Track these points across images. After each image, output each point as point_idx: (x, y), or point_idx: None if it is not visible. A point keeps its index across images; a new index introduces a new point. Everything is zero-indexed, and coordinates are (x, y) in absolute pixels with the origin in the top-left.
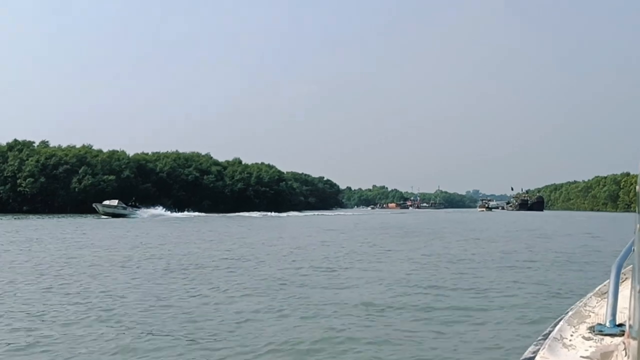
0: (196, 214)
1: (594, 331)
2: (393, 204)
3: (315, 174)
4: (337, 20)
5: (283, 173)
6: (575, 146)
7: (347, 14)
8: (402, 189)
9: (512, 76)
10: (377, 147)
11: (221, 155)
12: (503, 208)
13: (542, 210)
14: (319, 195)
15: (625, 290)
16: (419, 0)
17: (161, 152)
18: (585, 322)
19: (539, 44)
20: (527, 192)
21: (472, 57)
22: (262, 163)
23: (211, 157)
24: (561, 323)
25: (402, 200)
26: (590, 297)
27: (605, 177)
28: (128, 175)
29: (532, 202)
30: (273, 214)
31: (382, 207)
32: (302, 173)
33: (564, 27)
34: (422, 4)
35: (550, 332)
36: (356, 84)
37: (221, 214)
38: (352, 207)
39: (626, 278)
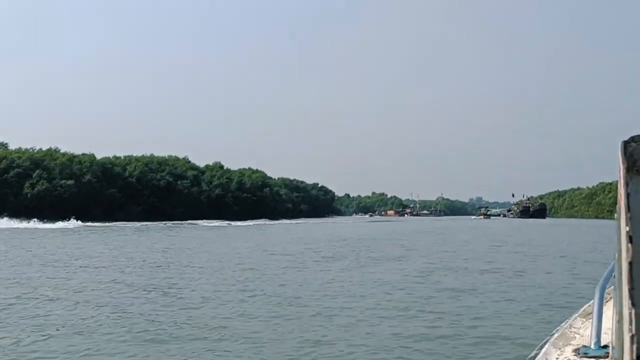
0: (78, 223)
1: (579, 353)
2: (392, 212)
3: (314, 180)
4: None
5: (272, 179)
6: (579, 152)
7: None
8: (403, 196)
9: (516, 81)
10: (377, 154)
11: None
12: (504, 215)
13: (544, 217)
14: (311, 202)
15: (609, 311)
16: None
17: (134, 155)
18: (570, 344)
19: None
20: (529, 198)
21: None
22: (249, 168)
23: (189, 161)
24: (547, 345)
25: (402, 207)
26: (576, 319)
27: (611, 184)
28: (90, 180)
29: (534, 209)
30: (239, 223)
31: (381, 215)
32: (294, 179)
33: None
34: None
35: (536, 354)
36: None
37: (177, 223)
38: (350, 215)
39: (610, 298)
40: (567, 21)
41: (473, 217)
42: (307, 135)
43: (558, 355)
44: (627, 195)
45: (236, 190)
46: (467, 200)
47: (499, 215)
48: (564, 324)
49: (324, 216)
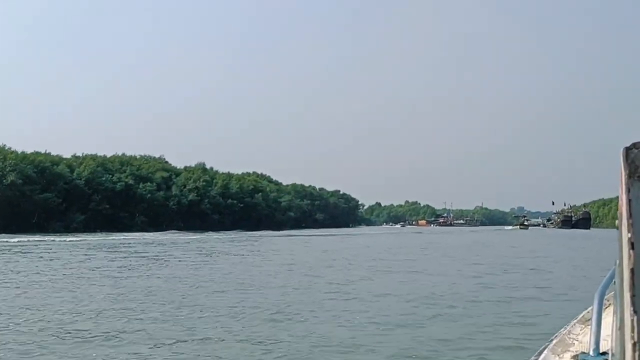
0: None
1: None
2: (423, 221)
3: (342, 188)
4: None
5: (275, 184)
6: None
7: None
8: (438, 206)
9: (559, 81)
10: (412, 161)
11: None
12: (544, 225)
13: (588, 228)
14: (329, 211)
15: (608, 317)
16: None
17: (88, 153)
18: (569, 350)
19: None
20: (571, 207)
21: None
22: (247, 173)
23: (165, 162)
24: (545, 352)
25: (435, 216)
26: (574, 325)
27: None
28: (14, 182)
29: (578, 219)
30: (215, 235)
31: (411, 224)
32: (309, 186)
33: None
34: None
35: None
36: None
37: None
38: (380, 224)
39: (609, 304)
40: (607, 14)
41: (508, 227)
42: (332, 141)
43: None
44: (629, 202)
45: (217, 196)
46: (507, 210)
47: (537, 225)
48: (562, 330)
49: (347, 226)
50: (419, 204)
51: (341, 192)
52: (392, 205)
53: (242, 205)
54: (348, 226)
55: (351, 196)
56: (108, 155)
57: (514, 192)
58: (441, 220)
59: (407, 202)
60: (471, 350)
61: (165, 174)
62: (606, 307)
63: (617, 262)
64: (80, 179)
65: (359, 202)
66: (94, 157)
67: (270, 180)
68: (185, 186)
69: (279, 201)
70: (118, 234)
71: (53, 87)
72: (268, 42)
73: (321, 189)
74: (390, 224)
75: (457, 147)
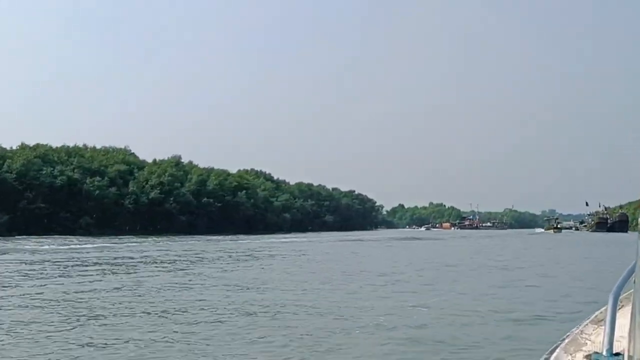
0: None
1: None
2: (447, 224)
3: (363, 190)
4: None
5: (283, 183)
6: None
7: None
8: (464, 207)
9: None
10: (435, 162)
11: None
12: (576, 229)
13: (625, 231)
14: (341, 212)
15: (621, 318)
16: None
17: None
18: (581, 349)
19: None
20: (606, 208)
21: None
22: (245, 170)
23: (129, 153)
24: (557, 350)
25: (460, 219)
26: (587, 324)
27: None
28: None
29: (614, 221)
30: (178, 239)
31: (435, 227)
32: (317, 185)
33: None
34: None
35: (546, 359)
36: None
37: None
38: (403, 227)
39: (622, 305)
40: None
41: (538, 230)
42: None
43: None
44: None
45: (187, 194)
46: (539, 213)
47: (569, 228)
48: (574, 329)
49: (364, 229)
50: (444, 205)
51: (356, 193)
52: (415, 207)
53: (220, 204)
54: (365, 229)
55: (368, 197)
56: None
57: (544, 193)
58: (467, 222)
59: (431, 203)
60: None
61: (124, 167)
62: (619, 308)
63: (637, 263)
64: (11, 172)
65: (376, 204)
66: (35, 147)
67: (269, 179)
68: (147, 182)
69: (271, 201)
70: (43, 237)
71: None
72: (292, 46)
73: (334, 189)
74: (414, 226)
75: (482, 147)
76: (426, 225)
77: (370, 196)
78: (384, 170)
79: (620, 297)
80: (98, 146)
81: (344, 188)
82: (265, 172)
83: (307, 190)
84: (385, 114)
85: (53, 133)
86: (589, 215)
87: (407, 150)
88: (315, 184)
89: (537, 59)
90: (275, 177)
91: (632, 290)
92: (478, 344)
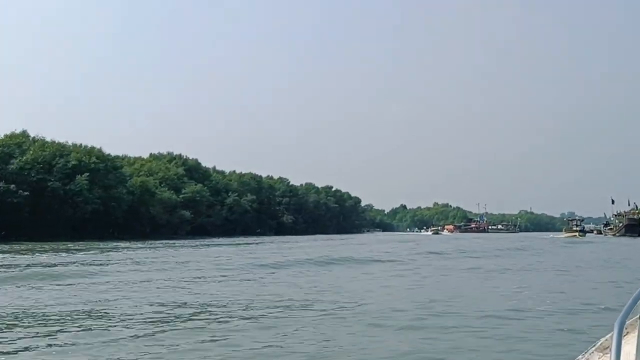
0: None
1: None
2: (450, 226)
3: (364, 190)
4: None
5: (208, 170)
6: None
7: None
8: (472, 209)
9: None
10: (444, 162)
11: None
12: (599, 232)
13: None
14: (309, 212)
15: (627, 345)
16: None
17: None
18: None
19: None
20: (637, 207)
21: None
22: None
23: (93, 148)
24: None
25: (466, 221)
26: (593, 352)
27: None
28: None
29: None
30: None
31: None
32: (267, 176)
33: None
34: None
35: None
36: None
37: None
38: (403, 230)
39: (627, 332)
40: None
41: (561, 234)
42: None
43: None
44: None
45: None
46: (557, 215)
47: (591, 232)
48: (580, 356)
49: (342, 232)
50: (450, 206)
51: (334, 189)
52: (418, 207)
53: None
54: (345, 232)
55: (350, 194)
56: None
57: (562, 195)
58: (473, 225)
59: (435, 204)
60: None
61: (72, 161)
62: (624, 335)
63: None
64: None
65: (361, 203)
66: None
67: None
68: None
69: (153, 192)
70: None
71: None
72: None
73: (308, 184)
74: (416, 229)
75: (491, 147)
76: (433, 229)
77: (370, 197)
78: (385, 170)
79: (626, 324)
80: None
81: (344, 188)
82: (188, 157)
83: (248, 183)
84: (398, 113)
85: None
86: (615, 215)
87: (414, 150)
88: (303, 182)
89: (552, 59)
90: (208, 166)
91: (638, 317)
92: None
